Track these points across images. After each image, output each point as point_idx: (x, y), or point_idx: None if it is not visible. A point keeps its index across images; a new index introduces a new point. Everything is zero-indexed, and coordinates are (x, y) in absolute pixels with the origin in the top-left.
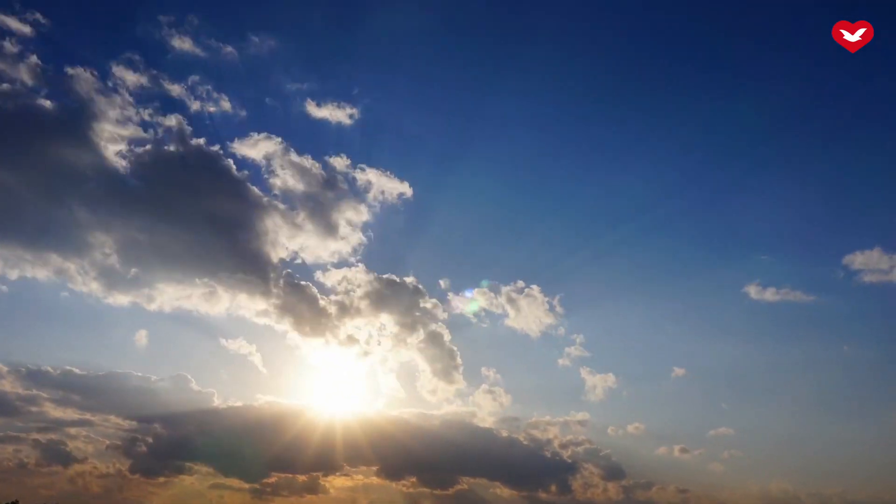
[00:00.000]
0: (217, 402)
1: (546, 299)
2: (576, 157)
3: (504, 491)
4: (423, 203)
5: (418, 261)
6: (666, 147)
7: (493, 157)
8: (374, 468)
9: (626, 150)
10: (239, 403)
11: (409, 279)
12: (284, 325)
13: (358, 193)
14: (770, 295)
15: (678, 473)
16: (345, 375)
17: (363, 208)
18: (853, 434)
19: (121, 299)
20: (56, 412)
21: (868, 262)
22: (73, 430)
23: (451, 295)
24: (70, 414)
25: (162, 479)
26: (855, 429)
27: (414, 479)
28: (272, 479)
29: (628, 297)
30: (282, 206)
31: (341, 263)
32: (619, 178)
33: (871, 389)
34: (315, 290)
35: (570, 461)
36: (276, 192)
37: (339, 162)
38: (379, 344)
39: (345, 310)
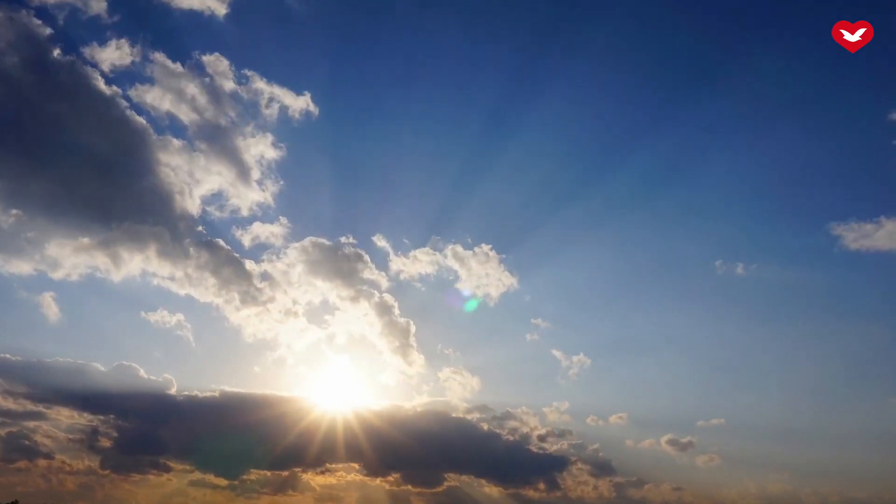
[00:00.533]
0: (173, 390)
1: (500, 256)
2: (525, 86)
3: (493, 489)
4: (332, 124)
5: (345, 208)
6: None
7: (411, 63)
8: (356, 465)
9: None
10: (196, 393)
11: (346, 240)
12: (209, 296)
13: (249, 109)
14: (748, 268)
15: (667, 467)
16: (290, 355)
17: (268, 139)
18: (852, 423)
19: (22, 267)
20: (7, 403)
21: (860, 231)
22: (31, 424)
23: (391, 255)
24: (23, 405)
25: (137, 477)
26: (855, 417)
27: (398, 476)
28: (251, 476)
29: (593, 260)
30: (164, 128)
31: (263, 217)
32: (579, 111)
33: (872, 372)
34: (235, 253)
35: (555, 455)
36: (156, 113)
37: (219, 64)
38: (327, 320)
39: (274, 278)
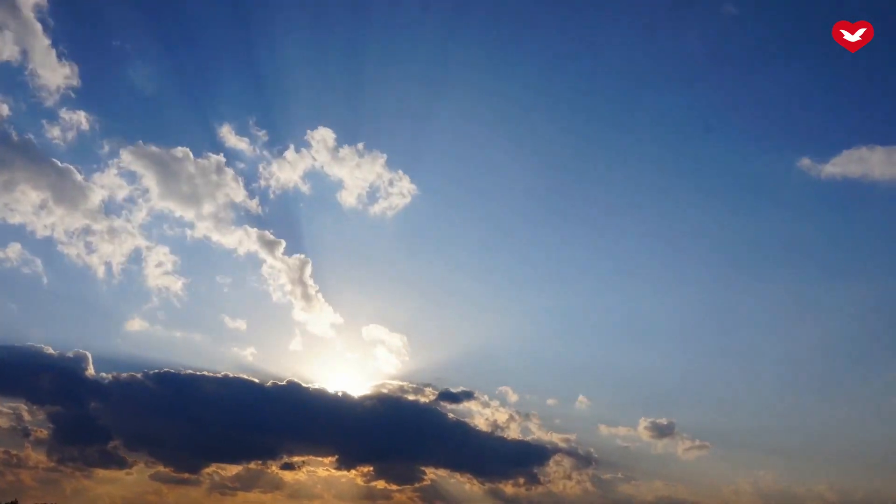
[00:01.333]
0: (90, 370)
1: (384, 157)
2: None
3: (473, 485)
4: None
5: (175, 85)
6: None
7: None
8: (326, 459)
9: None
10: (114, 374)
11: (190, 139)
12: (37, 222)
13: None
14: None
15: (648, 457)
16: (165, 308)
17: None
18: (852, 404)
19: None
20: None
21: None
22: None
23: (248, 155)
24: None
25: (101, 472)
26: (855, 397)
27: (370, 469)
28: (217, 470)
29: (513, 171)
30: None
31: (73, 104)
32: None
33: (873, 336)
34: (56, 160)
35: (533, 445)
36: None
37: None
38: (199, 266)
39: (115, 198)
